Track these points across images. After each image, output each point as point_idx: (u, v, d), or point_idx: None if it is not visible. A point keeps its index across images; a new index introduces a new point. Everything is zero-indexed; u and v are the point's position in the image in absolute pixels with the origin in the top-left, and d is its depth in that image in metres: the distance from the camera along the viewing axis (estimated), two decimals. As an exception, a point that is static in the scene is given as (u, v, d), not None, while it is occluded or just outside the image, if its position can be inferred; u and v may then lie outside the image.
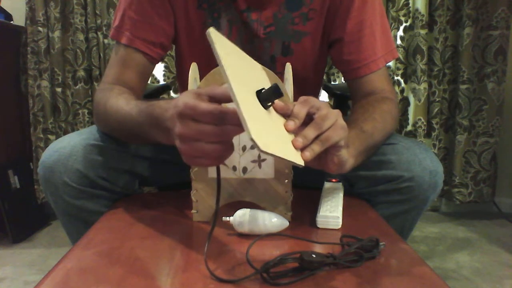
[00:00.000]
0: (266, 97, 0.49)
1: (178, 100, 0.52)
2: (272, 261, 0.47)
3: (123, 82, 0.80)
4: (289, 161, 0.48)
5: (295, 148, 0.51)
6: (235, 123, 0.47)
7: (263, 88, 0.50)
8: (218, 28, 0.84)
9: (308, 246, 0.57)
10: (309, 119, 0.54)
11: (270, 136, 0.46)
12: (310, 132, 0.52)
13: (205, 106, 0.49)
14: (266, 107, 0.50)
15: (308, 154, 0.51)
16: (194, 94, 0.51)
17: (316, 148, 0.53)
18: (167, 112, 0.54)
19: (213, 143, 0.49)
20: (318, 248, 0.57)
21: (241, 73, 0.49)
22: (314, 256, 0.48)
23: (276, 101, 0.52)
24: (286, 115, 0.53)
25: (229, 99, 0.50)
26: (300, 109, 0.53)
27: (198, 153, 0.50)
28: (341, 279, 0.48)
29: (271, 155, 0.44)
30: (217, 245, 0.57)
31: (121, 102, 0.71)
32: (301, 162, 0.50)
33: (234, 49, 0.52)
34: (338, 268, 0.50)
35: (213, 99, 0.51)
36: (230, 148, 0.51)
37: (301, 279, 0.47)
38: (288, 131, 0.51)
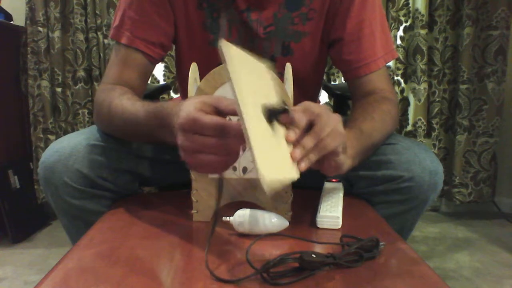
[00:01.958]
0: (272, 115, 0.49)
1: (182, 108, 0.52)
2: (272, 261, 0.47)
3: (123, 82, 0.80)
4: (289, 180, 0.47)
5: (293, 159, 0.50)
6: (237, 137, 0.48)
7: (270, 105, 0.50)
8: (218, 28, 0.84)
9: (308, 246, 0.57)
10: (308, 125, 0.53)
11: (273, 159, 0.46)
12: (308, 141, 0.52)
13: (207, 119, 0.49)
14: (270, 121, 0.49)
15: (304, 165, 0.51)
16: (199, 103, 0.52)
17: (313, 157, 0.52)
18: (174, 118, 0.55)
19: (216, 154, 0.50)
20: (318, 248, 0.57)
21: (251, 88, 0.48)
22: (314, 256, 0.48)
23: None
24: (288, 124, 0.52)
25: (234, 113, 0.50)
26: (301, 118, 0.52)
27: (201, 163, 0.51)
28: (341, 279, 0.48)
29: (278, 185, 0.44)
30: (217, 245, 0.57)
31: (125, 103, 0.71)
32: (296, 175, 0.49)
33: (243, 58, 0.51)
34: (338, 268, 0.50)
35: (218, 110, 0.51)
36: (233, 158, 0.52)
37: (301, 279, 0.47)
38: (289, 141, 0.51)
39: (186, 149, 0.51)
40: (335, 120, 0.55)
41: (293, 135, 0.51)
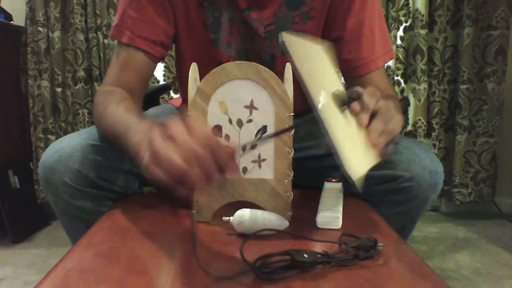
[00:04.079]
0: (344, 102, 0.49)
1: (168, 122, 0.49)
2: (263, 257, 0.47)
3: (123, 83, 0.80)
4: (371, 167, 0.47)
5: (372, 144, 0.50)
6: (222, 163, 0.46)
7: (340, 93, 0.49)
8: (218, 27, 0.84)
9: (305, 244, 0.57)
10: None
11: (354, 151, 0.45)
12: (379, 125, 0.52)
13: (203, 127, 0.47)
14: (342, 109, 0.49)
15: (379, 149, 0.51)
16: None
17: (383, 141, 0.52)
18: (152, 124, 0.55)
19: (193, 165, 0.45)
20: (316, 247, 0.56)
21: (318, 78, 0.47)
22: (306, 255, 0.48)
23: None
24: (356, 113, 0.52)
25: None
26: (370, 101, 0.53)
27: (164, 163, 0.46)
28: (335, 277, 0.48)
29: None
30: (217, 244, 0.57)
31: (120, 110, 0.70)
32: (377, 160, 0.50)
33: (305, 48, 0.51)
34: (334, 267, 0.50)
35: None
36: (205, 179, 0.46)
37: (291, 276, 0.47)
38: (362, 126, 0.51)
39: (168, 135, 0.47)
40: (393, 105, 0.55)
41: (366, 118, 0.51)
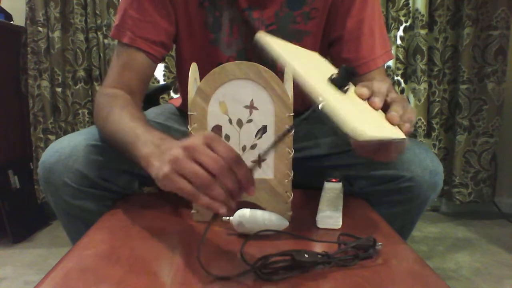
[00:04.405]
0: (341, 82, 0.48)
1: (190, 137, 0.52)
2: (263, 258, 0.47)
3: (124, 84, 0.80)
4: (392, 138, 0.47)
5: (392, 123, 0.51)
6: (243, 178, 0.48)
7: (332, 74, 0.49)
8: (219, 27, 0.84)
9: (305, 244, 0.57)
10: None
11: (363, 121, 0.45)
12: (398, 108, 0.53)
13: (226, 144, 0.50)
14: (344, 92, 0.49)
15: (409, 125, 0.52)
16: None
17: (408, 125, 0.53)
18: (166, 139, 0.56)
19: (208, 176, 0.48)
20: (315, 247, 0.57)
21: (306, 66, 0.48)
22: (306, 255, 0.48)
23: (358, 86, 0.52)
24: (365, 95, 0.53)
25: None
26: (381, 86, 0.54)
27: (187, 171, 0.48)
28: (335, 277, 0.48)
29: (371, 140, 0.42)
30: (217, 245, 0.57)
31: (124, 116, 0.69)
32: (403, 136, 0.50)
33: (285, 44, 0.52)
34: (334, 267, 0.50)
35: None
36: (216, 194, 0.48)
37: (292, 276, 0.47)
38: (375, 108, 0.51)
39: (189, 147, 0.49)
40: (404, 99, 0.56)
41: (378, 100, 0.52)
